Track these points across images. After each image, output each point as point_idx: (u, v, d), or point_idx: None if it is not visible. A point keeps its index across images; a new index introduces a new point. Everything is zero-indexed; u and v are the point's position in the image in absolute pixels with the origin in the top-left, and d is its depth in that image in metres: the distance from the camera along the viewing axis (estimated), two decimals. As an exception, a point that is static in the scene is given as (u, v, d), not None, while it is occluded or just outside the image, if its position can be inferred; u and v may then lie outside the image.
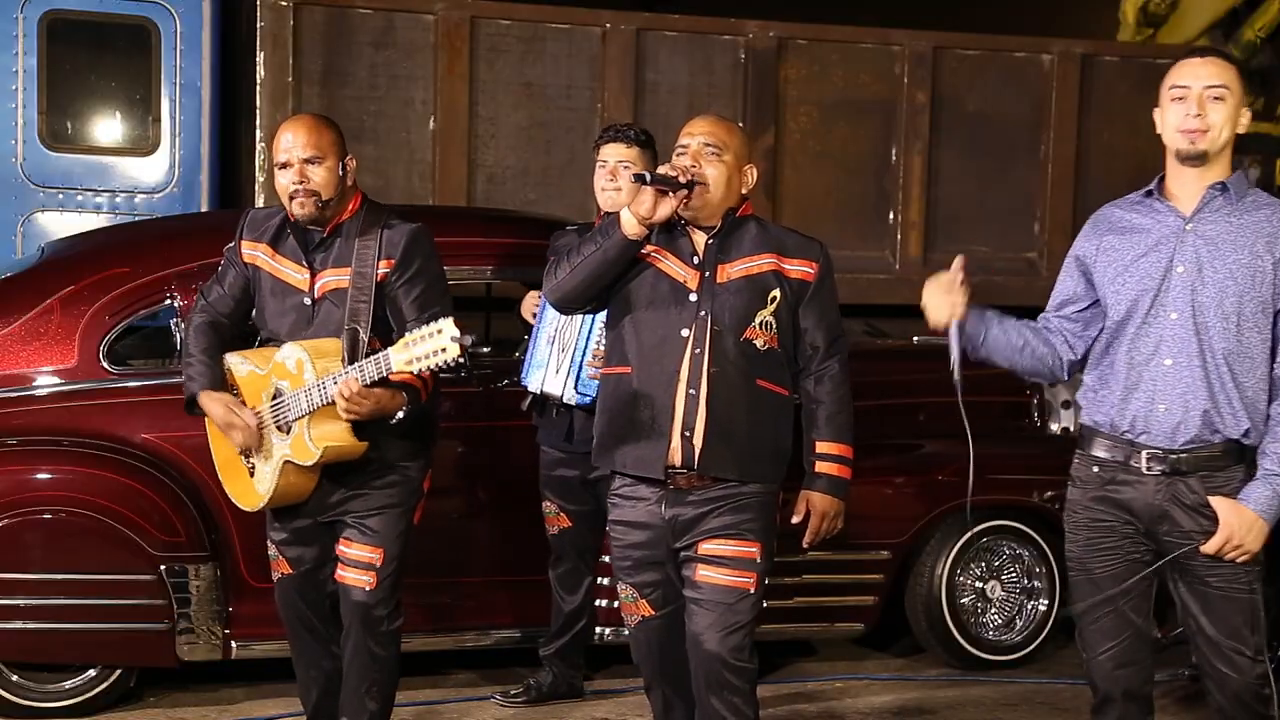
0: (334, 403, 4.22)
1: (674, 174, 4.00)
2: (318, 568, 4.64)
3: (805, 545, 4.26)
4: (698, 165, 4.05)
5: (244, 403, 4.50)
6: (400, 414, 4.30)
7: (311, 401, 4.28)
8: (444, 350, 3.98)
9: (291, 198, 4.42)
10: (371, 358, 4.18)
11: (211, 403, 4.50)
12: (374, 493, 4.50)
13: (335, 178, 4.44)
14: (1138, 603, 3.90)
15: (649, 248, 4.10)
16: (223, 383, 4.54)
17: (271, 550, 4.68)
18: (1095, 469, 3.90)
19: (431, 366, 4.02)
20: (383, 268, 4.41)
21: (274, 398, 4.41)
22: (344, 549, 4.55)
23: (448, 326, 3.99)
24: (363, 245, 4.43)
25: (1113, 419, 3.87)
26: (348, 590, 4.55)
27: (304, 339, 4.41)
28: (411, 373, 4.08)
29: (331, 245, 4.48)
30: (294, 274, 4.49)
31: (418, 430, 4.51)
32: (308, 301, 4.46)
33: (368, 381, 4.17)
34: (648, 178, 3.99)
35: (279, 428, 4.41)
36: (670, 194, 3.99)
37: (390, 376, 4.15)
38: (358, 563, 4.52)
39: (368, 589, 4.52)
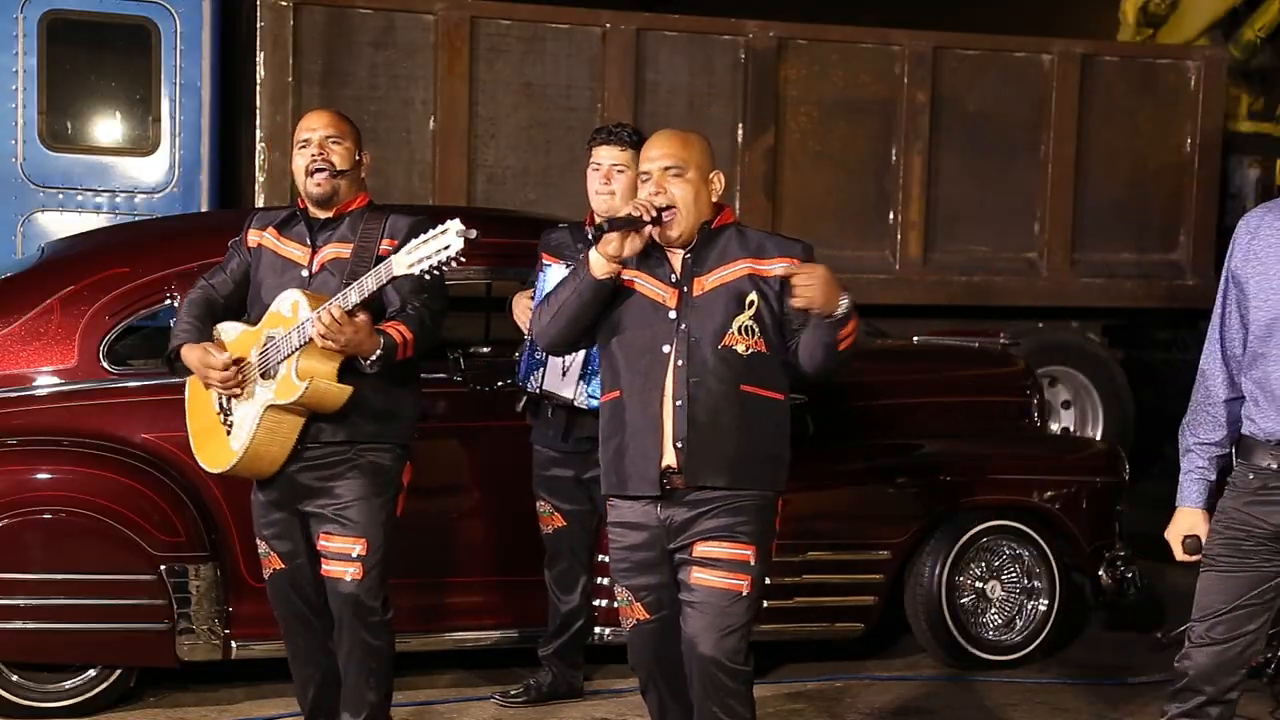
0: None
1: (637, 213, 4.00)
2: (310, 560, 4.64)
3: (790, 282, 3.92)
4: (664, 191, 4.04)
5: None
6: (374, 357, 4.34)
7: (303, 334, 4.33)
8: (448, 247, 4.08)
9: (309, 173, 4.57)
10: (373, 269, 4.29)
11: (189, 351, 4.57)
12: (347, 481, 4.52)
13: (352, 158, 4.62)
14: (1255, 611, 3.88)
15: (629, 273, 4.10)
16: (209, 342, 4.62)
17: (262, 548, 4.70)
18: (1251, 476, 3.89)
19: (435, 264, 4.10)
20: (385, 245, 4.50)
21: (264, 345, 4.47)
22: (325, 544, 4.57)
23: (454, 224, 4.10)
24: (367, 226, 4.58)
25: (1271, 432, 3.86)
26: (335, 583, 4.56)
27: None
28: (414, 275, 4.18)
29: (337, 227, 4.61)
30: (295, 251, 4.61)
31: (390, 414, 4.55)
32: (305, 274, 4.56)
33: (369, 292, 4.26)
34: (606, 227, 4.00)
35: (264, 375, 4.45)
36: (636, 231, 4.00)
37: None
38: (341, 555, 4.54)
39: (354, 579, 4.53)
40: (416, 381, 4.72)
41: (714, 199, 4.14)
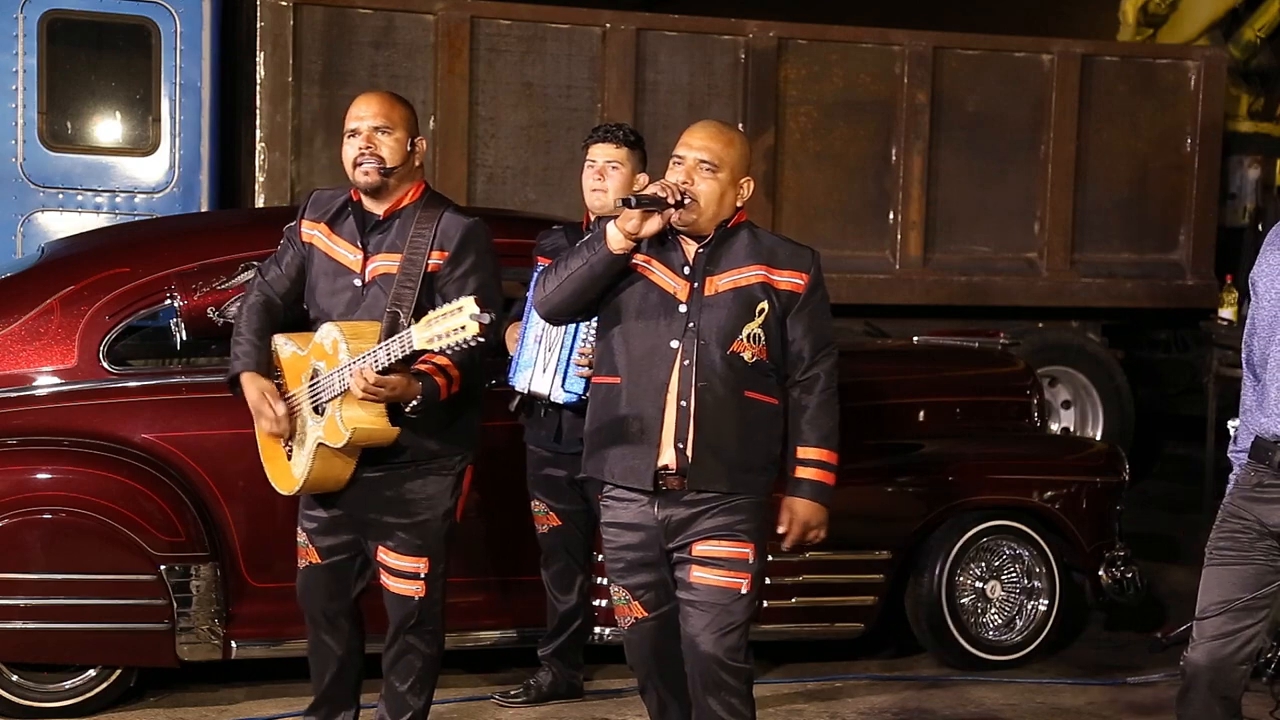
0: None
1: (663, 194, 3.98)
2: (348, 560, 4.59)
3: (784, 548, 4.21)
4: (690, 182, 4.02)
5: (285, 385, 4.47)
6: (415, 402, 4.24)
7: (343, 381, 4.24)
8: (463, 328, 3.94)
9: (356, 164, 4.38)
10: (396, 335, 4.14)
11: (249, 386, 4.47)
12: (413, 500, 4.45)
13: (403, 150, 4.40)
14: (1254, 607, 3.89)
15: (639, 257, 4.08)
16: (268, 364, 4.51)
17: (301, 538, 4.61)
18: (1252, 474, 3.93)
19: (452, 344, 3.98)
20: (435, 258, 4.37)
21: (311, 378, 4.39)
22: (385, 558, 4.50)
23: (468, 305, 3.95)
24: (417, 233, 4.39)
25: (1267, 430, 3.89)
26: (397, 599, 4.50)
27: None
28: (434, 351, 4.05)
29: (389, 229, 4.42)
30: (347, 254, 4.44)
31: (451, 426, 4.45)
32: (358, 284, 4.41)
33: (395, 358, 4.12)
34: (633, 201, 3.97)
35: (315, 409, 4.37)
36: (658, 212, 3.98)
37: (416, 353, 4.12)
38: (403, 573, 4.48)
39: (418, 596, 4.49)
40: (480, 387, 4.57)
41: (739, 204, 4.12)
